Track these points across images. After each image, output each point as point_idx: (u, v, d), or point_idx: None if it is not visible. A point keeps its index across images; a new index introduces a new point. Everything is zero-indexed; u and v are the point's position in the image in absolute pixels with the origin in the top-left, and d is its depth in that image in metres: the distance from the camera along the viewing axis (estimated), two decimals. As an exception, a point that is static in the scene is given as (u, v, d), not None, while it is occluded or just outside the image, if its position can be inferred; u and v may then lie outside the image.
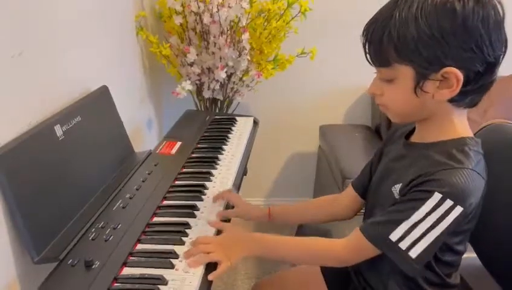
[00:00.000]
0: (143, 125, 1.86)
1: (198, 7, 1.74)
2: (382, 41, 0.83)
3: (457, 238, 0.92)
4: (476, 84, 0.85)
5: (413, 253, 0.84)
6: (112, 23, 1.54)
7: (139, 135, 1.75)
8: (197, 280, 0.87)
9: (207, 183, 1.21)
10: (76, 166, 1.09)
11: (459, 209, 0.82)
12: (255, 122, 1.69)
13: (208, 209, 1.10)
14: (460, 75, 0.82)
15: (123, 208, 1.09)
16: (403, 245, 0.84)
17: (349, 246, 0.91)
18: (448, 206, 0.81)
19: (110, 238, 0.97)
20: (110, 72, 1.46)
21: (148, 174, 1.25)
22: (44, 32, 1.07)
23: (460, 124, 0.91)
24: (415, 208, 0.83)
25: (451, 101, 0.86)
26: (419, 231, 0.83)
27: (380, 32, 0.83)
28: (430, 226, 0.82)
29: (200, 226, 1.03)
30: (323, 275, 1.15)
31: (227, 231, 1.02)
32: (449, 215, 0.82)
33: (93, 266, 0.88)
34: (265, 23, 1.85)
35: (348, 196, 1.13)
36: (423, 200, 0.82)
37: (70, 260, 0.90)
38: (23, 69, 0.98)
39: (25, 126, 0.97)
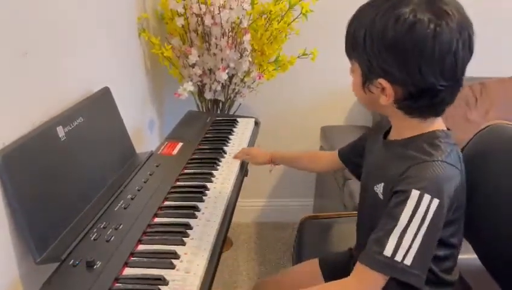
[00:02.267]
0: (145, 126, 1.87)
1: (200, 9, 1.74)
2: (347, 35, 0.90)
3: (448, 230, 0.91)
4: (415, 104, 0.86)
5: (408, 260, 0.81)
6: (115, 24, 1.55)
7: (140, 136, 1.76)
8: (198, 280, 0.87)
9: (208, 184, 1.22)
10: (78, 167, 1.10)
11: (436, 202, 0.82)
12: (256, 123, 1.69)
13: (209, 210, 1.11)
14: (391, 91, 0.85)
15: (124, 208, 1.09)
16: (399, 257, 0.82)
17: (359, 282, 0.86)
18: (427, 202, 0.82)
19: (112, 239, 0.97)
20: (112, 74, 1.47)
21: (150, 175, 1.25)
22: (47, 34, 1.08)
23: (428, 122, 0.91)
24: (400, 213, 0.82)
25: (399, 108, 0.89)
26: (409, 235, 0.82)
27: (348, 27, 0.90)
28: (418, 226, 0.82)
29: (201, 227, 1.03)
30: (323, 275, 1.16)
31: None
32: (430, 210, 0.82)
33: (94, 267, 0.89)
34: (267, 25, 1.85)
35: (333, 159, 1.23)
36: (404, 202, 0.82)
37: (72, 261, 0.91)
38: (27, 70, 0.99)
39: (28, 127, 0.98)
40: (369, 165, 1.03)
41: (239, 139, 1.54)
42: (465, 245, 1.23)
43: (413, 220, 0.82)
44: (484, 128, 1.17)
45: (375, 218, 0.88)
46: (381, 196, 0.92)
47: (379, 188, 0.92)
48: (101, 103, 1.28)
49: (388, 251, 0.82)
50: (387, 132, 0.99)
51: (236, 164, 1.36)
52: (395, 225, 0.82)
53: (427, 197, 0.82)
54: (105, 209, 1.08)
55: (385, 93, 0.87)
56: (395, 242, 0.82)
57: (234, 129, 1.60)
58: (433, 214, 0.82)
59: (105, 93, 1.31)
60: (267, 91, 2.06)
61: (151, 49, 1.83)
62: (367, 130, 1.13)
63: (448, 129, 0.94)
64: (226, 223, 1.09)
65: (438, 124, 0.92)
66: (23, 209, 0.89)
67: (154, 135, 1.99)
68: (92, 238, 0.98)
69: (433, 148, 0.87)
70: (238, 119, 1.70)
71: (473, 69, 2.21)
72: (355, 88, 0.93)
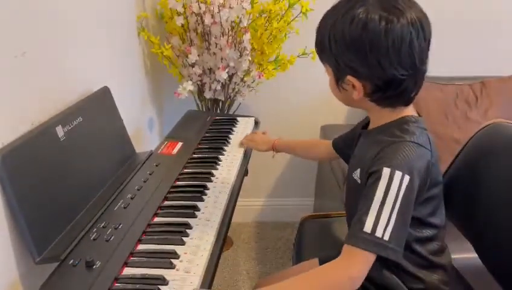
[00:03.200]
0: (144, 126, 1.87)
1: (200, 8, 1.74)
2: (316, 40, 0.96)
3: (426, 209, 0.96)
4: (384, 94, 0.93)
5: (386, 235, 0.85)
6: (114, 24, 1.55)
7: (140, 136, 1.76)
8: (198, 279, 0.87)
9: (208, 184, 1.22)
10: (78, 166, 1.10)
11: (407, 178, 0.87)
12: (256, 123, 1.69)
13: (208, 209, 1.11)
14: (359, 86, 0.92)
15: (124, 208, 1.09)
16: (379, 233, 0.85)
17: (347, 261, 0.89)
18: (399, 178, 0.87)
19: (111, 239, 0.97)
20: (111, 73, 1.47)
21: (150, 174, 1.25)
22: (46, 33, 1.08)
23: (398, 110, 0.97)
24: (374, 191, 0.87)
25: (372, 101, 0.95)
26: (386, 211, 0.86)
27: (316, 32, 0.97)
28: (393, 202, 0.86)
29: (201, 227, 1.03)
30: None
31: None
32: (402, 187, 0.87)
33: (94, 266, 0.89)
34: (267, 24, 1.85)
35: (329, 148, 1.30)
36: (378, 181, 0.87)
37: (72, 260, 0.90)
38: (25, 70, 0.98)
39: (27, 127, 0.98)
40: (353, 157, 1.09)
41: (239, 138, 1.53)
42: (465, 245, 1.23)
43: (388, 196, 0.86)
44: (484, 127, 1.17)
45: (357, 203, 0.92)
46: (358, 181, 0.98)
47: (356, 174, 0.99)
48: (101, 102, 1.28)
49: (368, 228, 0.86)
50: (367, 125, 1.06)
51: (237, 163, 1.36)
52: (372, 203, 0.87)
53: (398, 174, 0.87)
54: (105, 208, 1.08)
55: (355, 89, 0.93)
56: (374, 219, 0.86)
57: (234, 128, 1.60)
58: (406, 190, 0.87)
59: (105, 92, 1.31)
60: (267, 90, 2.06)
61: (150, 48, 1.83)
62: (357, 124, 1.16)
63: (419, 115, 0.99)
64: (226, 223, 1.08)
65: (408, 110, 0.98)
66: (22, 209, 0.89)
67: (153, 134, 1.99)
68: (92, 238, 0.98)
69: (402, 131, 0.93)
70: (238, 118, 1.70)
71: (473, 68, 2.22)
72: (331, 87, 1.00)
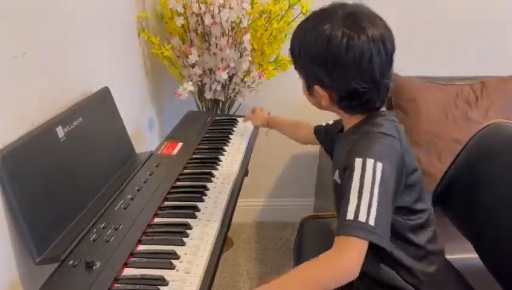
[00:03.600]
0: (144, 126, 1.87)
1: (200, 8, 1.74)
2: (289, 50, 1.02)
3: (411, 196, 0.99)
4: (350, 104, 0.99)
5: (371, 221, 0.87)
6: (114, 24, 1.55)
7: (140, 136, 1.76)
8: (198, 280, 0.87)
9: (208, 184, 1.22)
10: (78, 167, 1.10)
11: (380, 165, 0.90)
12: (257, 123, 1.69)
13: (209, 210, 1.11)
14: (325, 95, 0.98)
15: (124, 208, 1.09)
16: (362, 218, 0.87)
17: (338, 250, 0.89)
18: (371, 165, 0.90)
19: (111, 239, 0.97)
20: (111, 74, 1.47)
21: (150, 175, 1.25)
22: (46, 34, 1.08)
23: (365, 113, 1.02)
24: (351, 182, 0.90)
25: (340, 108, 1.01)
26: (365, 198, 0.88)
27: (290, 43, 1.02)
28: (371, 189, 0.89)
29: (201, 227, 1.03)
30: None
31: None
32: (377, 173, 0.90)
33: (94, 267, 0.89)
34: (267, 24, 1.85)
35: (311, 133, 1.36)
36: (352, 172, 0.91)
37: (72, 261, 0.90)
38: (26, 70, 0.98)
39: (27, 127, 0.98)
40: (333, 162, 1.14)
41: (239, 138, 1.54)
42: (465, 245, 1.23)
43: (364, 183, 0.89)
44: (485, 127, 1.17)
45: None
46: (338, 181, 1.01)
47: (336, 176, 1.03)
48: (101, 102, 1.28)
49: (350, 215, 0.88)
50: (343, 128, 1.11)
51: (237, 164, 1.36)
52: (350, 193, 0.90)
53: (370, 162, 0.90)
54: (105, 209, 1.08)
55: (322, 97, 0.99)
56: (354, 206, 0.88)
57: (234, 129, 1.60)
58: (381, 176, 0.90)
59: (105, 93, 1.31)
60: (267, 91, 2.06)
61: (150, 48, 1.83)
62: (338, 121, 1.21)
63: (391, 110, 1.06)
64: (226, 223, 1.08)
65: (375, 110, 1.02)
66: (22, 209, 0.89)
67: (154, 134, 1.99)
68: (92, 239, 0.98)
69: (372, 125, 0.98)
70: (238, 118, 1.70)
71: (474, 68, 2.22)
72: (304, 92, 1.06)
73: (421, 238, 1.02)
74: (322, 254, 0.90)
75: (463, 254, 1.37)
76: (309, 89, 1.02)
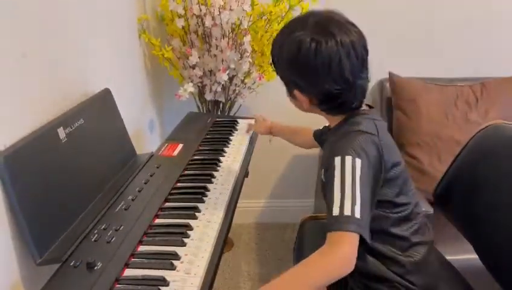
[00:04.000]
0: (145, 128, 1.87)
1: (200, 10, 1.75)
2: (270, 57, 1.07)
3: (392, 190, 1.01)
4: (328, 105, 1.02)
5: (357, 213, 0.89)
6: (115, 26, 1.55)
7: (141, 137, 1.76)
8: (199, 281, 0.87)
9: (208, 185, 1.22)
10: (79, 168, 1.10)
11: (358, 161, 0.93)
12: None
13: (209, 211, 1.11)
14: (303, 98, 1.02)
15: (125, 209, 1.09)
16: (347, 212, 0.89)
17: (330, 246, 0.90)
18: (350, 162, 0.93)
19: (112, 240, 0.97)
20: (112, 75, 1.47)
21: (150, 176, 1.25)
22: (48, 36, 1.08)
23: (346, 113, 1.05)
24: (332, 180, 0.93)
25: (321, 110, 1.05)
26: (348, 193, 0.91)
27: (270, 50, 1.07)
28: (352, 185, 0.91)
29: (202, 228, 1.04)
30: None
31: None
32: (356, 169, 0.92)
33: (95, 268, 0.89)
34: (267, 26, 1.85)
35: (311, 138, 1.38)
36: (333, 171, 0.94)
37: (73, 262, 0.91)
38: (27, 72, 0.99)
39: (29, 128, 0.98)
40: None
41: (239, 140, 1.54)
42: (466, 246, 1.23)
43: (345, 179, 0.92)
44: (484, 128, 1.18)
45: None
46: (324, 179, 1.02)
47: (321, 174, 1.04)
48: (102, 104, 1.29)
49: (336, 211, 0.90)
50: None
51: (237, 165, 1.36)
52: (333, 190, 0.92)
53: (348, 159, 0.93)
54: (106, 210, 1.09)
55: (302, 100, 1.03)
56: (339, 202, 0.91)
57: (234, 130, 1.61)
58: (360, 171, 0.92)
59: (106, 94, 1.32)
60: (268, 92, 2.06)
61: (151, 50, 1.83)
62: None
63: (370, 107, 1.07)
64: (227, 224, 1.09)
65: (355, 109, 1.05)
66: (24, 210, 0.89)
67: (154, 136, 1.99)
68: (93, 240, 0.98)
69: (351, 124, 1.01)
70: (239, 120, 1.70)
71: (474, 70, 2.22)
72: (287, 96, 1.09)
73: (404, 231, 1.03)
74: (315, 252, 0.91)
75: (463, 255, 1.37)
76: (290, 93, 1.07)
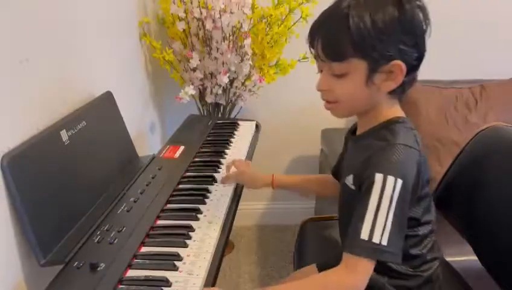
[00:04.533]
0: (146, 130, 1.88)
1: (201, 13, 1.76)
2: (341, 36, 0.90)
3: (421, 208, 0.97)
4: (410, 76, 0.94)
5: (384, 240, 0.86)
6: (116, 29, 1.56)
7: (142, 140, 1.77)
8: (201, 281, 0.88)
9: (210, 187, 1.23)
10: (82, 170, 1.11)
11: (400, 182, 0.87)
12: (257, 127, 1.70)
13: (211, 212, 1.12)
14: (405, 68, 0.91)
15: (127, 211, 1.10)
16: (376, 239, 0.86)
17: (348, 268, 0.89)
18: (392, 183, 0.87)
19: (115, 241, 0.98)
20: (114, 78, 1.48)
21: (152, 178, 1.26)
22: (50, 39, 1.09)
23: (392, 109, 0.98)
24: (368, 198, 0.87)
25: (391, 92, 0.95)
26: (381, 217, 0.86)
27: (338, 27, 0.90)
28: (388, 207, 0.86)
29: (204, 229, 1.04)
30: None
31: None
32: (395, 191, 0.87)
33: (98, 269, 0.90)
34: (267, 29, 1.86)
35: (332, 180, 1.24)
36: (371, 188, 0.88)
37: (76, 263, 0.91)
38: (30, 75, 1.00)
39: (32, 131, 0.99)
40: (344, 163, 1.10)
41: (240, 142, 1.55)
42: (466, 246, 1.24)
43: (382, 202, 0.86)
44: (483, 130, 1.18)
45: (351, 209, 0.92)
46: (352, 187, 0.98)
47: (349, 180, 0.98)
48: (104, 107, 1.30)
49: (365, 235, 0.86)
50: (355, 131, 1.06)
51: (238, 166, 1.37)
52: (366, 210, 0.87)
53: (391, 179, 0.87)
54: (108, 212, 1.09)
55: (392, 76, 0.92)
56: (370, 226, 0.86)
57: (235, 132, 1.61)
58: (399, 194, 0.87)
59: (108, 97, 1.32)
60: (268, 94, 2.08)
61: (152, 53, 1.84)
62: (345, 137, 1.16)
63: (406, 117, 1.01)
64: (228, 225, 1.09)
65: (395, 112, 0.99)
66: (27, 211, 0.90)
67: (155, 138, 2.00)
68: (96, 241, 0.99)
69: (390, 133, 0.93)
70: (239, 122, 1.71)
71: (473, 72, 2.22)
72: (351, 91, 0.95)
73: (422, 249, 1.00)
74: (330, 271, 0.90)
75: (463, 256, 1.38)
76: (373, 74, 0.92)
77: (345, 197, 1.03)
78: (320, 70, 0.99)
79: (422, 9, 0.92)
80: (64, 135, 1.06)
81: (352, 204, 0.93)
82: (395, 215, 0.87)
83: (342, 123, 2.33)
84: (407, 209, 0.90)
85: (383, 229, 0.86)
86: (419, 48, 0.93)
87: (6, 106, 0.91)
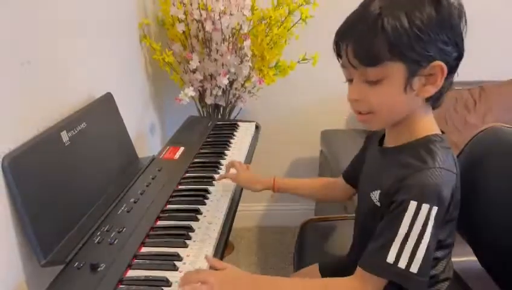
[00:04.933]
0: (146, 131, 1.88)
1: (201, 15, 1.76)
2: (375, 39, 0.82)
3: (445, 231, 0.92)
4: (449, 79, 0.87)
5: (414, 268, 0.82)
6: (116, 31, 1.57)
7: (142, 141, 1.77)
8: (200, 281, 0.88)
9: (210, 188, 1.23)
10: (82, 171, 1.12)
11: (435, 209, 0.82)
12: (257, 128, 1.71)
13: (210, 213, 1.12)
14: (446, 69, 0.84)
15: (127, 212, 1.11)
16: (402, 264, 0.82)
17: (357, 283, 0.87)
18: (426, 211, 0.82)
19: (115, 242, 0.99)
20: (114, 79, 1.49)
21: (152, 178, 1.27)
22: (50, 42, 1.09)
23: (428, 123, 0.92)
24: (399, 223, 0.82)
25: (428, 99, 0.88)
26: (411, 243, 0.82)
27: (371, 29, 0.82)
28: (419, 235, 0.82)
29: (203, 230, 1.05)
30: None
31: (224, 271, 0.92)
32: (430, 218, 0.82)
33: (98, 269, 0.90)
34: (267, 30, 1.87)
35: (342, 184, 1.19)
36: (403, 212, 0.82)
37: (76, 263, 0.92)
38: (31, 77, 1.00)
39: (33, 132, 1.00)
40: (366, 173, 1.04)
41: (240, 143, 1.55)
42: (465, 247, 1.24)
43: (413, 229, 0.82)
44: (482, 131, 1.19)
45: (373, 224, 0.89)
46: (377, 203, 0.92)
47: (375, 195, 0.93)
48: (104, 108, 1.30)
49: (390, 258, 0.82)
50: (382, 139, 1.00)
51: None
52: (396, 234, 0.82)
53: (425, 207, 0.82)
54: (109, 212, 1.10)
55: (432, 80, 0.85)
56: (397, 250, 0.82)
57: (235, 133, 1.62)
58: (434, 222, 0.82)
59: (108, 98, 1.33)
60: (268, 96, 2.08)
61: (152, 54, 1.85)
62: (365, 139, 1.12)
63: (442, 132, 0.94)
64: (228, 226, 1.10)
65: (432, 126, 0.93)
66: (28, 212, 0.90)
67: (155, 139, 2.00)
68: (96, 241, 0.99)
69: (429, 154, 0.86)
70: (239, 123, 1.71)
71: (472, 73, 2.23)
72: (389, 98, 0.86)
73: (436, 270, 0.96)
74: (341, 280, 0.88)
75: (462, 257, 1.38)
76: (412, 79, 0.84)
77: (368, 211, 0.97)
78: (349, 80, 0.90)
79: (460, 7, 0.86)
80: (64, 136, 1.07)
81: (376, 219, 0.89)
82: (426, 242, 0.82)
83: (341, 124, 2.33)
84: (438, 237, 0.86)
85: (411, 257, 0.82)
86: (458, 47, 0.86)
87: (7, 107, 0.91)
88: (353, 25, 0.86)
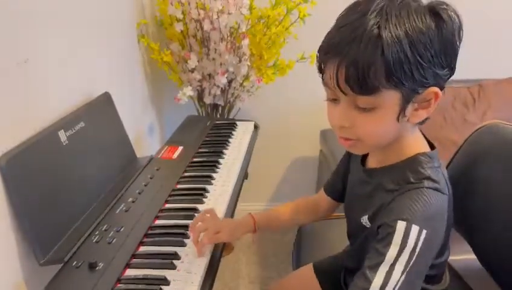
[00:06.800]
0: (145, 131, 1.88)
1: (199, 14, 1.76)
2: (373, 66, 0.73)
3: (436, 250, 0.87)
4: (435, 102, 0.82)
5: None
6: (114, 31, 1.57)
7: (141, 140, 1.77)
8: (199, 279, 0.89)
9: (208, 187, 1.23)
10: (80, 170, 1.12)
11: (424, 233, 0.76)
12: (256, 127, 1.70)
13: (209, 211, 1.12)
14: (440, 94, 0.80)
15: (126, 211, 1.10)
16: (390, 288, 0.76)
17: None
18: (416, 233, 0.76)
19: (114, 241, 0.99)
20: (112, 79, 1.48)
21: (150, 178, 1.26)
22: (48, 41, 1.09)
23: (416, 142, 0.87)
24: (387, 247, 0.77)
25: (420, 124, 0.84)
26: (398, 270, 0.76)
27: (370, 54, 0.73)
28: (406, 260, 0.76)
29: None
30: (318, 280, 1.18)
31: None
32: (419, 243, 0.76)
33: (97, 268, 0.90)
34: (265, 29, 1.87)
35: (324, 199, 1.12)
36: (391, 235, 0.77)
37: (75, 262, 0.92)
38: (29, 76, 1.00)
39: (31, 131, 1.00)
40: (352, 196, 0.99)
41: (238, 142, 1.55)
42: (465, 246, 1.23)
43: (402, 254, 0.76)
44: (480, 128, 1.19)
45: (366, 245, 0.86)
46: (367, 225, 0.88)
47: (364, 219, 0.89)
48: (102, 107, 1.30)
49: (376, 286, 0.76)
50: (364, 156, 0.95)
51: (237, 166, 1.37)
52: (383, 260, 0.77)
53: (415, 229, 0.76)
54: (107, 212, 1.10)
55: (425, 105, 0.80)
56: (382, 277, 0.76)
57: (234, 133, 1.62)
58: (423, 245, 0.76)
59: (106, 98, 1.33)
60: (266, 95, 2.08)
61: (150, 54, 1.85)
62: (346, 153, 1.06)
63: (432, 147, 0.89)
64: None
65: (420, 145, 0.87)
66: (26, 212, 0.91)
67: (154, 139, 2.00)
68: (94, 241, 0.99)
69: (417, 175, 0.81)
70: (238, 123, 1.71)
71: (471, 71, 2.23)
72: (380, 127, 0.80)
73: (430, 285, 0.93)
74: None
75: (462, 256, 1.38)
76: (406, 106, 0.78)
77: (358, 232, 0.93)
78: (333, 99, 0.83)
79: (458, 18, 0.79)
80: (62, 136, 1.07)
81: (367, 241, 0.87)
82: (414, 266, 0.77)
83: (340, 123, 2.33)
84: (430, 260, 0.82)
85: (397, 283, 0.76)
86: (452, 68, 0.81)
87: (4, 106, 0.91)
88: (347, 44, 0.75)
